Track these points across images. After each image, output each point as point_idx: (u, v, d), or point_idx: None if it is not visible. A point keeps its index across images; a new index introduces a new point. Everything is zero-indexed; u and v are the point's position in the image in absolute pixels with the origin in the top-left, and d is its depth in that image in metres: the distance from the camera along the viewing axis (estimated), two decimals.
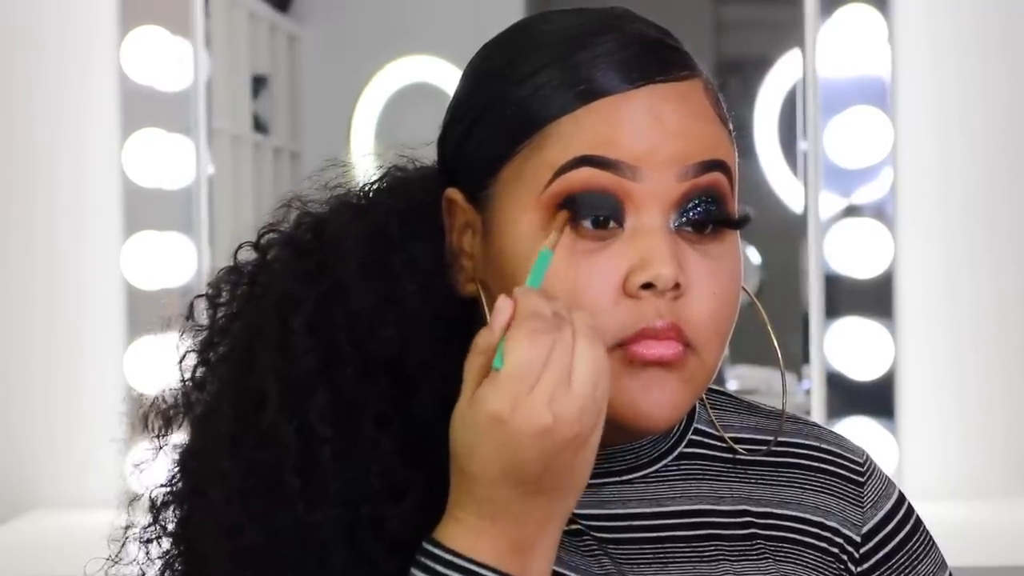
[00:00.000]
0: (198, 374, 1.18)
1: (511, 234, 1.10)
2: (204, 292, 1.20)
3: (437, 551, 1.04)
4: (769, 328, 1.20)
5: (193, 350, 1.19)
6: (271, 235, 1.19)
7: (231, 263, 1.20)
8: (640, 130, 1.09)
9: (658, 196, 1.09)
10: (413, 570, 1.04)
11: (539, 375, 1.00)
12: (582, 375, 1.01)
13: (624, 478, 1.17)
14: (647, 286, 1.08)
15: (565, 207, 1.09)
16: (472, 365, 1.03)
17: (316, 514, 1.09)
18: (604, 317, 1.08)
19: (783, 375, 1.23)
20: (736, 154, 1.14)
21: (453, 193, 1.15)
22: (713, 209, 1.11)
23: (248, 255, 1.20)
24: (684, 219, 1.10)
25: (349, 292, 1.13)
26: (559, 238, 1.08)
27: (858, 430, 3.13)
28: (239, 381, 1.14)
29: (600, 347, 1.02)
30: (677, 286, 1.08)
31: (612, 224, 1.09)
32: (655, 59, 1.11)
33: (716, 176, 1.11)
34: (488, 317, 1.10)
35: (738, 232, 1.13)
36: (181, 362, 1.20)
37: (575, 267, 1.08)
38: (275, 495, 1.10)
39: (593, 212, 1.09)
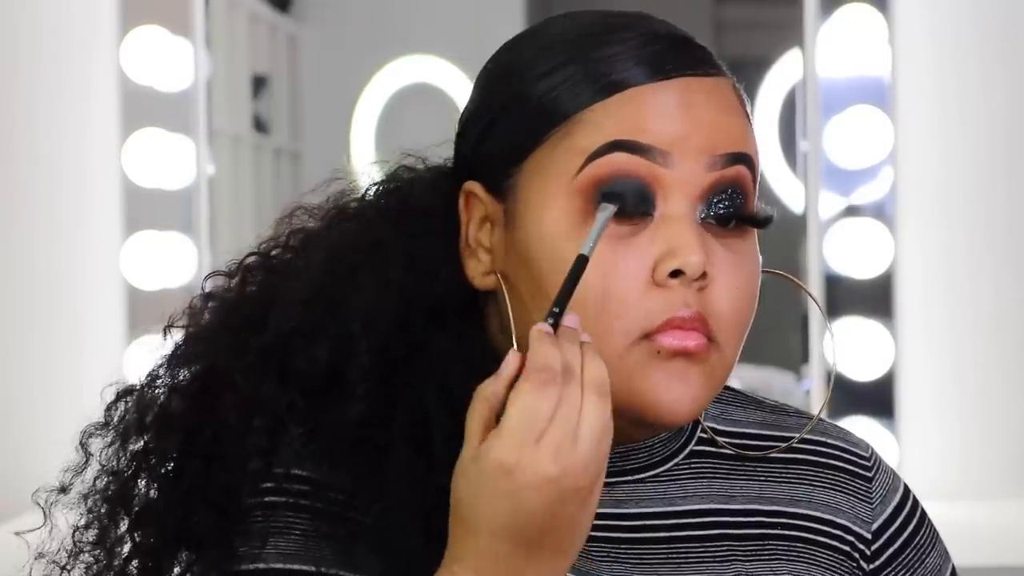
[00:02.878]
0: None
1: (540, 221, 1.10)
2: (181, 315, 1.21)
3: None
4: (810, 292, 1.24)
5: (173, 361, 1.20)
6: (253, 258, 1.20)
7: (205, 289, 1.20)
8: (672, 117, 1.09)
9: (687, 184, 1.09)
10: None
11: (545, 427, 0.99)
12: (588, 431, 1.00)
13: (637, 477, 1.17)
14: (675, 274, 1.08)
15: (602, 197, 1.08)
16: (474, 412, 1.01)
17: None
18: (633, 307, 1.08)
19: (829, 333, 1.24)
20: (759, 155, 1.14)
21: (472, 186, 1.15)
22: (739, 204, 1.11)
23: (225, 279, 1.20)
24: (710, 212, 1.10)
25: (350, 310, 1.13)
26: (611, 212, 1.07)
27: (858, 430, 3.11)
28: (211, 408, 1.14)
29: (607, 403, 1.01)
30: (704, 275, 1.09)
31: (642, 211, 1.09)
32: (685, 54, 1.12)
33: (742, 170, 1.11)
34: (509, 307, 1.11)
35: (756, 233, 1.13)
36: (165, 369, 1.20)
37: (605, 254, 1.08)
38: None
39: (626, 198, 1.08)
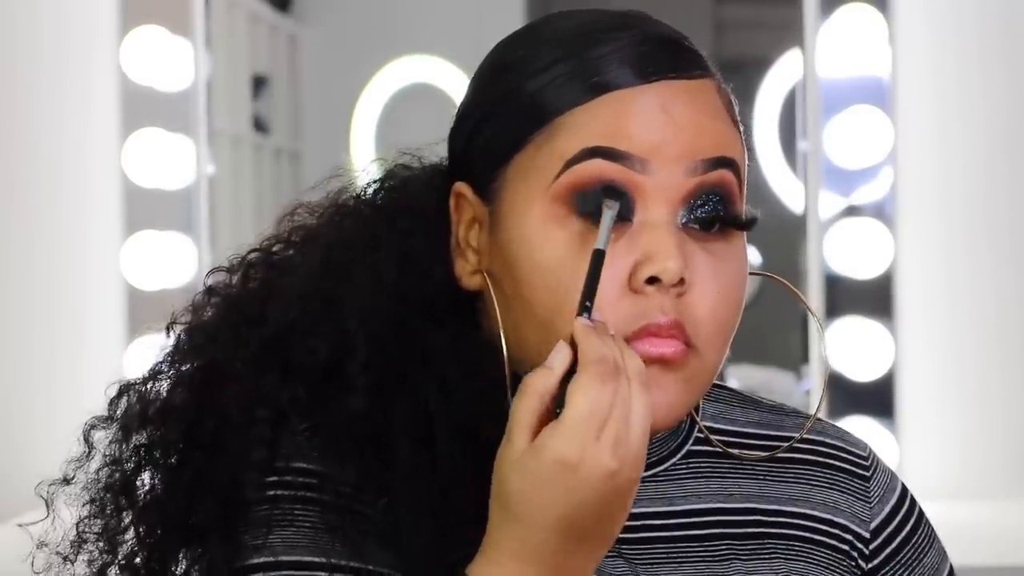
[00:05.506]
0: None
1: (520, 224, 1.11)
2: (185, 310, 1.21)
3: None
4: (801, 296, 1.22)
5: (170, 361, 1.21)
6: (255, 255, 1.20)
7: (208, 284, 1.21)
8: (651, 123, 1.09)
9: (667, 190, 1.09)
10: None
11: (605, 421, 1.01)
12: (639, 423, 1.02)
13: None
14: (652, 280, 1.08)
15: (579, 198, 1.09)
16: (525, 407, 1.02)
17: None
18: (608, 312, 1.08)
19: (824, 357, 1.24)
20: (746, 157, 1.14)
21: (461, 187, 1.15)
22: (721, 208, 1.11)
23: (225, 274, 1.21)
24: (692, 216, 1.10)
25: (352, 307, 1.14)
26: (616, 208, 1.07)
27: (858, 430, 3.11)
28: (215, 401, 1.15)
29: (649, 394, 1.03)
30: (682, 281, 1.08)
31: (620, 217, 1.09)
32: (669, 56, 1.12)
33: (725, 174, 1.11)
34: (496, 307, 1.11)
35: (744, 235, 1.13)
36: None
37: (583, 259, 1.08)
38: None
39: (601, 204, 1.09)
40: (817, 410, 1.23)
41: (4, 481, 3.02)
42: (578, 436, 1.00)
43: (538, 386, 1.02)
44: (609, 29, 1.13)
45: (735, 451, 1.21)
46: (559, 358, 1.03)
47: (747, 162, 1.14)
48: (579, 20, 1.15)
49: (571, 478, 1.00)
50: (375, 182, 1.21)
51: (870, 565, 1.22)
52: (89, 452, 1.19)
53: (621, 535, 1.15)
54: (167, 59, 3.22)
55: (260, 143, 3.78)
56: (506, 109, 1.13)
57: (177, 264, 3.22)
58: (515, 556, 1.02)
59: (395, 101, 3.82)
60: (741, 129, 1.14)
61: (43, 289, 3.21)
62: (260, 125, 3.81)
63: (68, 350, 3.19)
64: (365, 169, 1.22)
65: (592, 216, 1.08)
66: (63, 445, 1.22)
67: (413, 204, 1.18)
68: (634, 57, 1.11)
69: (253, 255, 1.20)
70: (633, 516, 1.17)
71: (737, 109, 1.15)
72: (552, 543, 1.02)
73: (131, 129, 3.21)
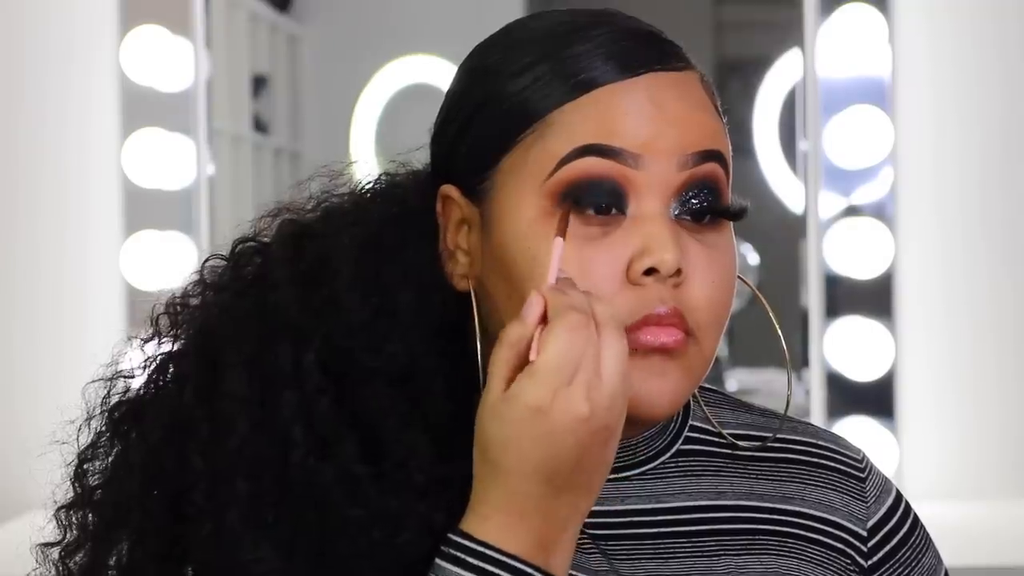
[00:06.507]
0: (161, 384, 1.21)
1: (513, 222, 1.11)
2: (168, 304, 1.23)
3: (467, 542, 1.04)
4: (773, 319, 1.23)
5: (152, 363, 1.22)
6: (249, 244, 1.21)
7: (198, 274, 1.22)
8: (642, 118, 1.11)
9: (659, 184, 1.11)
10: (439, 562, 1.05)
11: (576, 368, 1.02)
12: (612, 368, 1.03)
13: (622, 475, 1.18)
14: (650, 272, 1.09)
15: (570, 195, 1.10)
16: (501, 357, 1.04)
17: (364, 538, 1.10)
18: None
19: (788, 370, 1.25)
20: (730, 147, 1.16)
21: (449, 189, 1.16)
22: (712, 199, 1.12)
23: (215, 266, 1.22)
24: (684, 208, 1.12)
25: (344, 307, 1.14)
26: (566, 229, 1.08)
27: (858, 430, 3.13)
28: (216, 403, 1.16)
29: (624, 339, 1.04)
30: (679, 272, 1.10)
31: (614, 211, 1.11)
32: (653, 49, 1.13)
33: (714, 167, 1.13)
34: (476, 312, 1.13)
35: (732, 224, 1.15)
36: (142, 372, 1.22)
37: (579, 254, 1.09)
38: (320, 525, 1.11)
39: (596, 200, 1.10)
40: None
41: (4, 481, 3.02)
42: (548, 382, 1.01)
43: (512, 337, 1.04)
44: (585, 27, 1.14)
45: (726, 450, 1.21)
46: (532, 309, 1.04)
47: (731, 153, 1.15)
48: (552, 20, 1.16)
49: (544, 423, 1.01)
50: (366, 185, 1.21)
51: (870, 562, 1.22)
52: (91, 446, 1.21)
53: (603, 531, 1.16)
54: (167, 59, 3.22)
55: (260, 143, 3.78)
56: (492, 109, 1.13)
57: (177, 264, 3.22)
58: (500, 508, 1.03)
59: (395, 101, 3.82)
60: (725, 120, 1.16)
61: (43, 289, 3.21)
62: (260, 125, 3.81)
63: (69, 350, 3.19)
64: (357, 171, 1.23)
65: (584, 210, 1.10)
66: (64, 446, 1.22)
67: (403, 210, 1.18)
68: (619, 51, 1.12)
69: (247, 269, 1.21)
70: (618, 513, 1.17)
71: (719, 99, 1.17)
72: (535, 492, 1.03)
73: (131, 129, 3.21)
